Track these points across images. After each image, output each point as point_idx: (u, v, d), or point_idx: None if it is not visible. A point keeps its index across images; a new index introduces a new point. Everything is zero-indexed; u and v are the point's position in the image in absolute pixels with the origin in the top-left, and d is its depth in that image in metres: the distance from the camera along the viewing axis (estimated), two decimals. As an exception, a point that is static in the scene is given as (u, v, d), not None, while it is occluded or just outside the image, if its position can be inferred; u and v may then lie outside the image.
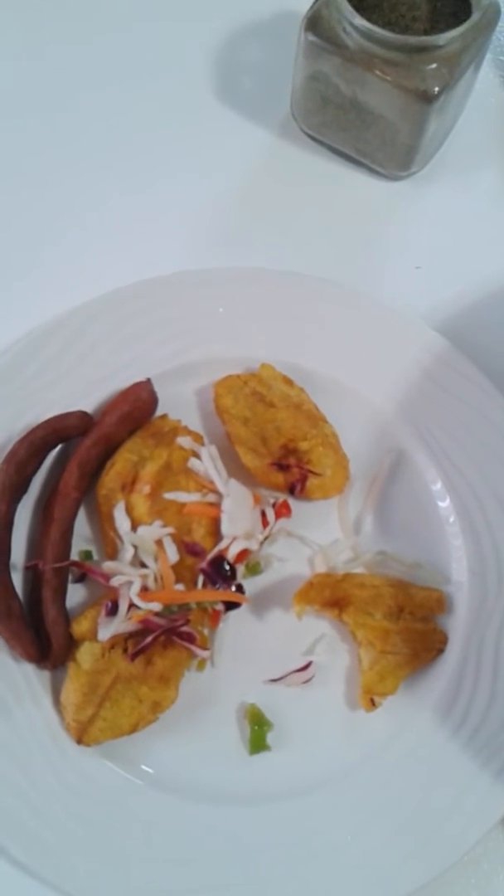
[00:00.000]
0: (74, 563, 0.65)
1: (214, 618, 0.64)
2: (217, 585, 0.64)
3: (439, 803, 0.61)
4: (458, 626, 0.66)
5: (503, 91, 0.86)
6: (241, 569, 0.66)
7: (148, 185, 0.80)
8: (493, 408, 0.69)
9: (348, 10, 0.69)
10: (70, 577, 0.65)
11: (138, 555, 0.65)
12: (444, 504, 0.69)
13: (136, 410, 0.68)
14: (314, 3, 0.73)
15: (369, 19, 0.69)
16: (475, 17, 0.70)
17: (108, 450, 0.67)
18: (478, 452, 0.69)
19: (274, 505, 0.67)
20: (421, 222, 0.80)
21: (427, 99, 0.71)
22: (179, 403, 0.70)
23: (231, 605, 0.65)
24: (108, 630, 0.61)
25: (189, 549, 0.65)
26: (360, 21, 0.69)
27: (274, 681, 0.64)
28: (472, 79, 0.78)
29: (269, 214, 0.80)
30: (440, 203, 0.81)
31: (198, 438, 0.69)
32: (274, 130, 0.83)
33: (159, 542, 0.65)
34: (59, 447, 0.68)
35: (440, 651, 0.65)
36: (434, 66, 0.70)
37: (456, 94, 0.74)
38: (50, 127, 0.82)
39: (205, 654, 0.63)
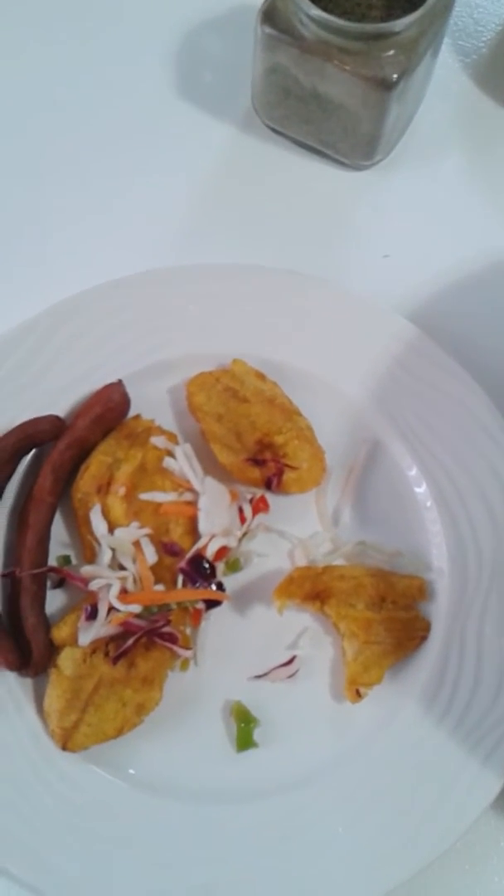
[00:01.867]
0: (52, 569, 0.64)
1: (196, 617, 0.64)
2: (197, 584, 0.64)
3: (429, 791, 0.61)
4: (440, 612, 0.66)
5: (464, 76, 0.86)
6: (220, 566, 0.65)
7: (111, 184, 0.80)
8: (465, 393, 0.69)
9: (304, 1, 0.69)
10: (48, 583, 0.65)
11: (116, 557, 0.64)
12: (421, 490, 0.69)
13: (108, 412, 0.67)
14: (269, -5, 0.72)
15: (325, 9, 0.69)
16: (430, 2, 0.70)
17: (82, 453, 0.67)
18: (452, 438, 0.69)
19: (251, 500, 0.67)
20: (387, 210, 0.80)
21: (386, 86, 0.71)
22: (152, 403, 0.70)
23: (212, 604, 0.64)
24: (89, 634, 0.61)
25: (167, 549, 0.65)
26: (315, 11, 0.68)
27: (258, 677, 0.64)
28: (431, 64, 0.77)
29: (235, 209, 0.80)
30: (405, 190, 0.81)
31: (172, 437, 0.69)
32: (236, 124, 0.82)
33: (137, 544, 0.64)
34: (31, 453, 0.67)
35: (423, 638, 0.65)
36: (391, 52, 0.70)
37: (415, 81, 0.74)
38: (5, 128, 0.81)
39: (188, 653, 0.63)
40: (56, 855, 0.59)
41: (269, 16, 0.72)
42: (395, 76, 0.70)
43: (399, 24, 0.69)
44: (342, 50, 0.70)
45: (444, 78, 0.85)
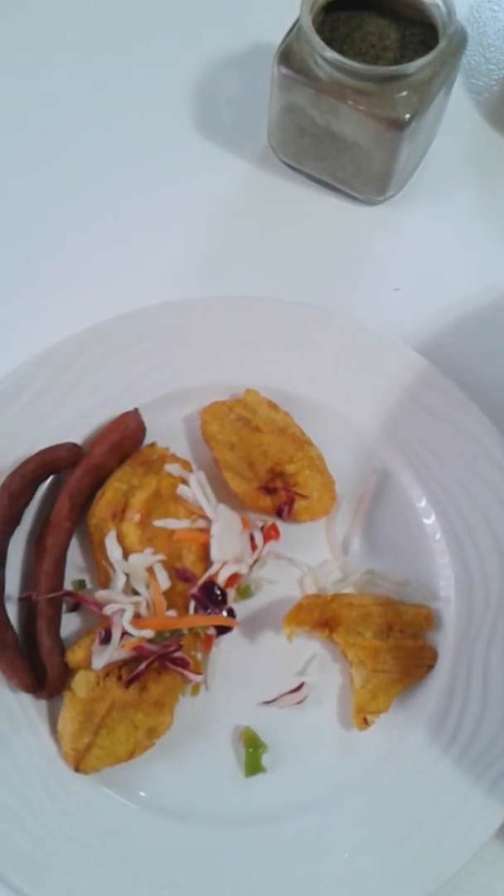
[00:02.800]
0: (68, 593, 0.66)
1: (207, 642, 0.65)
2: (208, 610, 0.65)
3: (435, 818, 0.62)
4: (447, 641, 0.67)
5: (476, 113, 0.88)
6: (231, 593, 0.67)
7: (129, 217, 0.82)
8: (474, 425, 0.70)
9: (318, 43, 0.71)
10: (64, 607, 0.67)
11: (130, 582, 0.66)
12: (430, 521, 0.70)
13: (124, 440, 0.69)
14: (286, 37, 0.74)
15: (339, 51, 0.71)
16: (442, 44, 0.72)
17: (98, 479, 0.69)
18: (461, 470, 0.70)
19: (262, 528, 0.69)
20: (399, 245, 0.82)
21: (399, 126, 0.73)
22: (167, 431, 0.72)
23: (223, 630, 0.66)
24: (103, 658, 0.62)
25: (180, 575, 0.66)
26: (330, 53, 0.71)
27: (267, 703, 0.65)
28: (444, 103, 0.79)
29: (250, 242, 0.82)
30: (417, 225, 0.83)
31: (186, 465, 0.70)
32: (253, 160, 0.84)
33: (150, 570, 0.66)
34: (50, 479, 0.69)
35: (430, 667, 0.66)
36: (404, 93, 0.72)
37: (427, 120, 0.76)
38: (28, 159, 0.84)
39: (198, 678, 0.64)
40: (69, 876, 0.60)
41: (286, 56, 0.74)
42: (407, 116, 0.72)
43: (412, 66, 0.70)
44: (356, 90, 0.72)
45: (457, 115, 0.86)
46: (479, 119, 0.87)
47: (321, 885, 0.61)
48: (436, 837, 0.62)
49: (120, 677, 0.63)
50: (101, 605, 0.64)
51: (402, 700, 0.66)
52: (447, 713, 0.65)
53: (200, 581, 0.66)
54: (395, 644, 0.65)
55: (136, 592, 0.66)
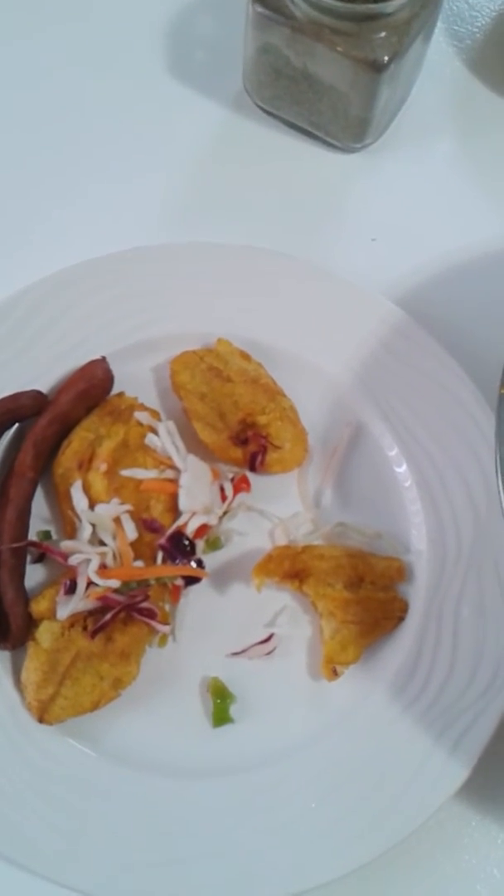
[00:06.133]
0: (32, 543, 0.64)
1: (175, 593, 0.64)
2: (177, 561, 0.64)
3: (403, 768, 0.62)
4: (418, 593, 0.66)
5: (457, 60, 0.86)
6: (200, 544, 0.66)
7: (100, 162, 0.79)
8: (449, 377, 0.69)
9: (295, -21, 0.68)
10: (28, 558, 0.65)
11: (97, 533, 0.64)
12: (401, 471, 0.69)
13: (91, 388, 0.67)
14: (261, -26, 0.72)
15: (317, -12, 0.69)
16: (423, -17, 0.70)
17: (64, 429, 0.67)
18: (435, 421, 0.69)
19: (233, 479, 0.67)
20: (376, 194, 0.80)
21: (377, 68, 0.70)
22: (136, 381, 0.70)
23: (191, 581, 0.65)
24: (67, 608, 0.61)
25: (148, 526, 0.65)
26: (307, -10, 0.68)
27: (236, 654, 0.64)
28: (424, 48, 0.77)
29: (224, 189, 0.79)
30: (395, 175, 0.81)
31: (155, 415, 0.69)
32: (227, 104, 0.82)
33: (117, 520, 0.64)
34: (13, 427, 0.67)
35: (401, 619, 0.66)
36: (383, 34, 0.70)
37: (406, 63, 0.74)
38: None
39: (166, 629, 0.63)
40: (32, 826, 0.59)
41: (261, -6, 0.71)
42: (385, 58, 0.70)
43: (391, 5, 0.68)
44: (333, 30, 0.70)
45: (437, 62, 0.84)
46: (460, 67, 0.85)
47: (289, 834, 0.60)
48: (404, 787, 0.61)
49: (85, 628, 0.62)
50: (66, 556, 0.63)
51: (372, 652, 0.65)
52: (416, 665, 0.64)
53: (169, 532, 0.65)
54: (365, 596, 0.65)
55: (102, 543, 0.64)
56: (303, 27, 0.71)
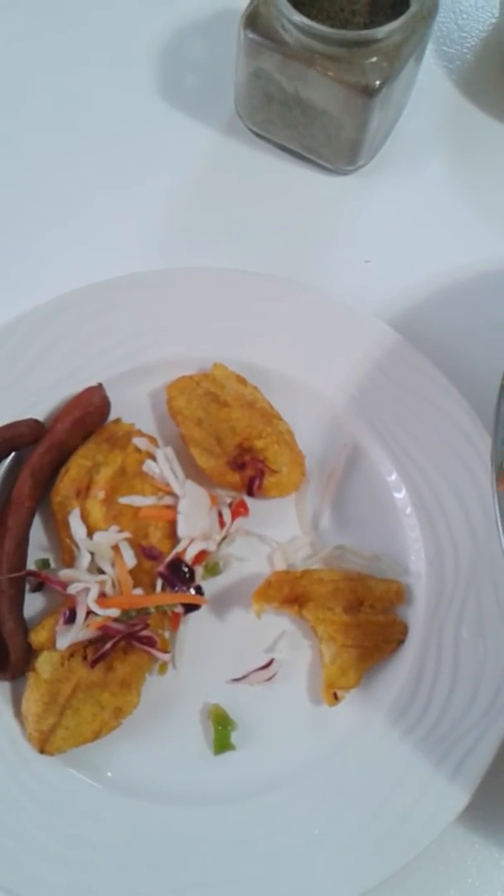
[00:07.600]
0: (30, 573, 0.64)
1: (174, 620, 0.64)
2: (176, 588, 0.64)
3: (406, 793, 0.62)
4: (417, 616, 0.66)
5: (448, 81, 0.86)
6: (199, 570, 0.66)
7: (93, 187, 0.80)
8: (444, 399, 0.70)
9: (286, 6, 0.69)
10: (27, 587, 0.65)
11: (95, 561, 0.64)
12: (400, 495, 0.69)
13: (88, 416, 0.67)
14: (252, 0, 0.72)
15: (308, 15, 0.69)
16: (413, 8, 0.70)
17: (62, 456, 0.67)
18: (432, 443, 0.69)
19: (231, 505, 0.67)
20: (369, 216, 0.81)
21: (368, 93, 0.71)
22: (133, 407, 0.70)
23: (191, 608, 0.65)
24: (67, 638, 0.61)
25: (146, 553, 0.65)
26: (298, 17, 0.69)
27: (236, 680, 0.64)
28: (415, 70, 0.78)
29: (218, 213, 0.80)
30: (388, 196, 0.81)
31: (152, 440, 0.69)
32: (220, 128, 0.82)
33: (116, 548, 0.64)
34: (11, 456, 0.67)
35: (401, 642, 0.66)
36: (374, 59, 0.70)
37: (398, 87, 0.74)
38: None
39: (166, 657, 0.63)
40: (35, 859, 0.59)
41: (252, 21, 0.72)
42: (377, 83, 0.71)
43: (382, 31, 0.69)
44: (325, 56, 0.70)
45: (428, 83, 0.85)
46: (450, 88, 0.86)
47: (291, 861, 0.60)
48: (406, 812, 0.61)
49: (85, 657, 0.62)
50: (65, 585, 0.63)
51: (372, 675, 0.65)
52: (417, 687, 0.64)
53: (167, 559, 0.65)
54: (365, 619, 0.65)
55: (101, 571, 0.64)
56: (294, 53, 0.71)
